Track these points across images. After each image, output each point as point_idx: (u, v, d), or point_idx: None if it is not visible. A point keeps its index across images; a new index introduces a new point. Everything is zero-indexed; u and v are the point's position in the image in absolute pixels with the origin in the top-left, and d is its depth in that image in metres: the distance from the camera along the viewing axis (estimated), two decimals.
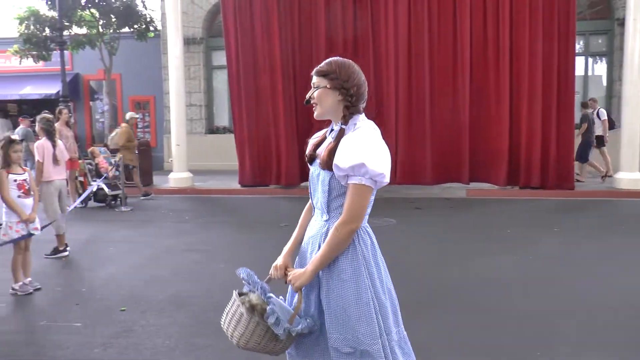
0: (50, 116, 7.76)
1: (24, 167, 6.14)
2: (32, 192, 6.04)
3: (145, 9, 17.32)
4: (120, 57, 17.18)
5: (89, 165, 11.83)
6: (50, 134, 7.46)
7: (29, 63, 18.11)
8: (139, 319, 5.00)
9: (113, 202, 11.46)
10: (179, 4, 13.95)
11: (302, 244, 2.75)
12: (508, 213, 10.12)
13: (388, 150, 2.45)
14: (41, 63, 18.03)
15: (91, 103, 20.49)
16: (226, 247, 7.94)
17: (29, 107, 20.32)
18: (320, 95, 2.49)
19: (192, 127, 17.62)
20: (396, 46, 12.25)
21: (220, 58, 18.51)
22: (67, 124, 10.92)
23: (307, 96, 2.55)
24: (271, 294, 2.60)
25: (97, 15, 16.75)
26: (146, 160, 13.98)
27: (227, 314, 2.62)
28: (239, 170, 13.47)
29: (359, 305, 2.42)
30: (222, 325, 2.64)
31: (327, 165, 2.44)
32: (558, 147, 11.91)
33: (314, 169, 2.60)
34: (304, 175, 13.01)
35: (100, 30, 16.86)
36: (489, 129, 12.15)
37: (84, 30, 17.42)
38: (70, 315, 5.27)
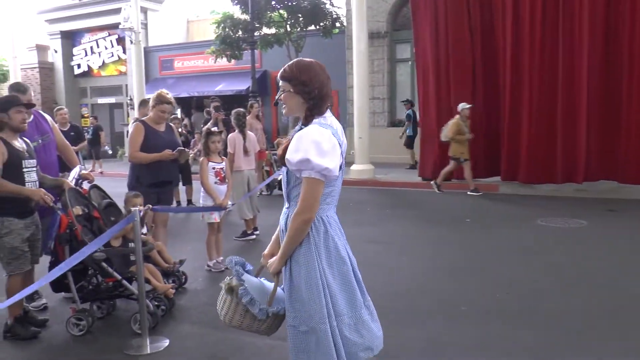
0: (242, 110, 8.17)
1: (222, 157, 6.55)
2: (227, 180, 6.43)
3: (332, 6, 17.74)
4: (306, 53, 17.73)
5: (275, 156, 12.39)
6: (241, 127, 7.87)
7: (222, 62, 19.48)
8: None
9: None
10: None
11: None
12: None
13: (337, 145, 2.64)
14: (233, 62, 19.29)
15: None
16: (408, 240, 7.83)
17: (222, 102, 21.92)
18: (286, 98, 2.74)
19: (374, 120, 17.76)
20: (592, 30, 11.13)
21: (403, 51, 18.42)
22: (258, 117, 11.50)
23: (276, 98, 2.81)
24: (244, 278, 2.82)
25: (285, 15, 17.48)
26: None
27: (220, 296, 2.92)
28: (419, 163, 13.31)
29: (309, 287, 2.64)
30: (217, 307, 2.94)
31: (282, 161, 2.71)
32: None
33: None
34: (480, 171, 12.49)
35: (288, 29, 17.57)
36: None
37: (272, 31, 18.29)
38: None
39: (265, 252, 2.99)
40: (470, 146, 11.70)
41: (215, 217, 6.36)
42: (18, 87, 5.30)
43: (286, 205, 2.83)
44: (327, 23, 17.55)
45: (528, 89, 11.61)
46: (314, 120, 2.69)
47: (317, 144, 2.57)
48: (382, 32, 18.02)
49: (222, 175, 6.37)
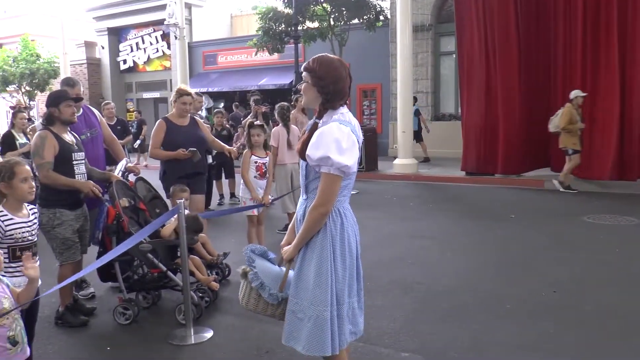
0: (286, 104, 8.16)
1: (267, 152, 6.53)
2: (267, 175, 6.43)
3: None
4: (349, 47, 17.65)
5: None
6: (285, 121, 7.87)
7: (265, 56, 19.55)
8: (365, 299, 5.03)
9: None
10: None
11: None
12: None
13: (356, 142, 2.77)
14: (276, 56, 19.33)
15: None
16: (452, 236, 7.71)
17: (265, 96, 22.09)
18: (304, 89, 2.87)
19: None
20: None
21: (448, 44, 18.15)
22: (303, 110, 11.48)
23: (296, 87, 2.73)
24: (256, 264, 2.98)
25: (328, 9, 17.41)
26: (372, 146, 14.31)
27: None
28: (462, 156, 13.10)
29: (319, 275, 2.77)
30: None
31: (301, 155, 2.85)
32: None
33: None
34: (526, 165, 12.24)
35: (331, 23, 17.51)
36: None
37: (316, 24, 18.26)
38: None
39: (283, 242, 3.11)
40: (523, 139, 11.43)
41: (254, 210, 6.40)
42: (68, 81, 5.47)
43: (304, 196, 2.95)
44: (371, 16, 17.41)
45: (580, 81, 11.30)
46: (334, 117, 2.80)
47: (337, 142, 2.69)
48: (427, 24, 17.79)
49: (263, 170, 6.36)
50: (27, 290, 2.92)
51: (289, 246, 2.93)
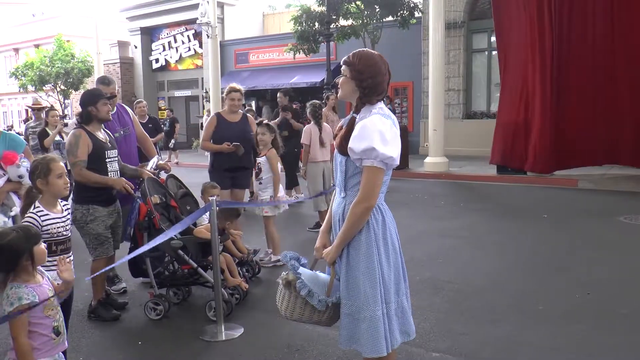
0: (318, 102, 8.15)
1: (269, 150, 6.39)
2: (260, 177, 6.34)
3: None
4: (382, 45, 17.52)
5: None
6: (316, 119, 7.87)
7: (299, 55, 19.57)
8: None
9: None
10: None
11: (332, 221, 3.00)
12: None
13: (398, 135, 2.73)
14: (309, 54, 19.36)
15: None
16: (483, 235, 7.62)
17: (296, 95, 22.11)
18: (342, 82, 2.83)
19: (449, 112, 17.40)
20: None
21: (480, 41, 17.96)
22: (334, 109, 11.45)
23: (334, 81, 2.70)
24: (301, 271, 2.86)
25: (362, 6, 17.34)
26: (403, 144, 14.18)
27: (278, 291, 2.96)
28: (492, 149, 12.87)
29: (367, 274, 2.72)
30: (276, 302, 2.98)
31: (341, 149, 2.78)
32: None
33: (336, 153, 2.87)
34: (557, 164, 12.02)
35: (365, 20, 17.44)
36: None
37: (349, 22, 18.20)
38: None
39: (317, 244, 3.01)
40: (555, 137, 11.23)
41: (264, 209, 6.43)
42: (103, 80, 5.62)
43: (342, 194, 2.86)
44: (404, 13, 17.29)
45: (622, 78, 11.08)
46: (373, 111, 2.75)
47: (381, 133, 2.65)
48: (459, 21, 17.59)
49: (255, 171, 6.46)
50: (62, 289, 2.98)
51: (329, 248, 2.85)
